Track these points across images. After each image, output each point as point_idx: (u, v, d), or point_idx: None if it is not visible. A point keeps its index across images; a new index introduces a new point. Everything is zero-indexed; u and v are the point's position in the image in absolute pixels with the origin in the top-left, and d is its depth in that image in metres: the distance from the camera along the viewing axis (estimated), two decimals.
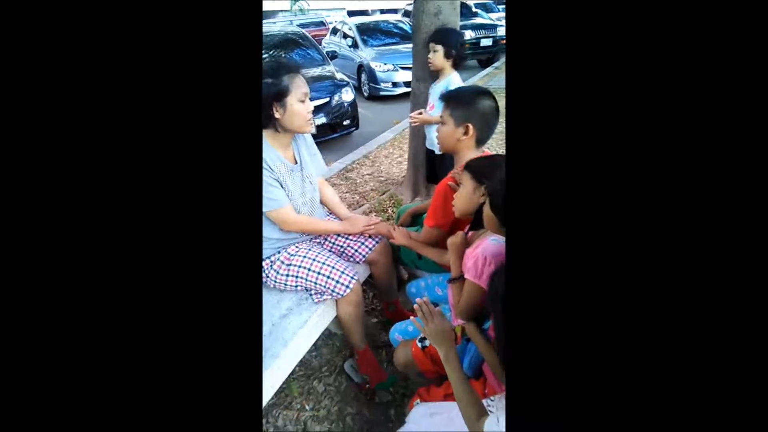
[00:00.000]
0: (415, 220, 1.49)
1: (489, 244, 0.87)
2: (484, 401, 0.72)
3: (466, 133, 1.10)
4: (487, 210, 0.83)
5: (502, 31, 6.94)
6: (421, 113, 1.73)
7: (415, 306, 0.80)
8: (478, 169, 0.93)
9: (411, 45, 2.05)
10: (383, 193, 2.51)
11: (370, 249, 1.34)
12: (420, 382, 1.13)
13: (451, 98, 1.12)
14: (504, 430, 0.59)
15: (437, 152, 1.88)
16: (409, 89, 5.34)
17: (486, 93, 1.11)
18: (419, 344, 1.03)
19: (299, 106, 1.10)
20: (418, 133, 2.10)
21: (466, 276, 0.89)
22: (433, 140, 1.87)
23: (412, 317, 0.98)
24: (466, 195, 0.94)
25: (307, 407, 1.28)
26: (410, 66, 5.90)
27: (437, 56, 1.67)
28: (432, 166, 1.99)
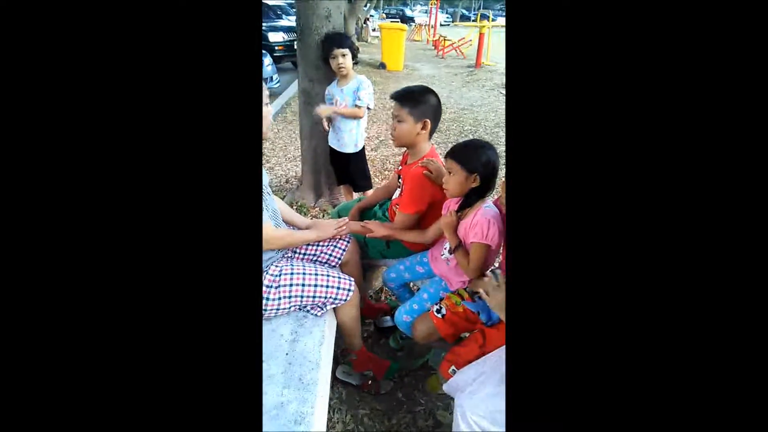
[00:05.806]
0: (363, 214, 1.55)
1: (486, 210, 1.07)
2: None
3: (424, 128, 1.25)
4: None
5: None
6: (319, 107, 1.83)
7: (486, 279, 0.93)
8: (465, 157, 1.09)
9: None
10: None
11: (343, 250, 1.33)
12: (439, 347, 1.25)
13: (407, 98, 1.24)
14: None
15: (349, 151, 1.95)
16: None
17: (432, 91, 1.28)
18: (437, 315, 1.14)
19: (265, 110, 1.02)
20: (313, 134, 2.09)
21: (471, 241, 1.06)
22: (344, 139, 1.93)
23: (461, 300, 1.12)
24: (459, 181, 1.09)
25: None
26: None
27: (347, 60, 1.75)
28: (343, 166, 2.03)
